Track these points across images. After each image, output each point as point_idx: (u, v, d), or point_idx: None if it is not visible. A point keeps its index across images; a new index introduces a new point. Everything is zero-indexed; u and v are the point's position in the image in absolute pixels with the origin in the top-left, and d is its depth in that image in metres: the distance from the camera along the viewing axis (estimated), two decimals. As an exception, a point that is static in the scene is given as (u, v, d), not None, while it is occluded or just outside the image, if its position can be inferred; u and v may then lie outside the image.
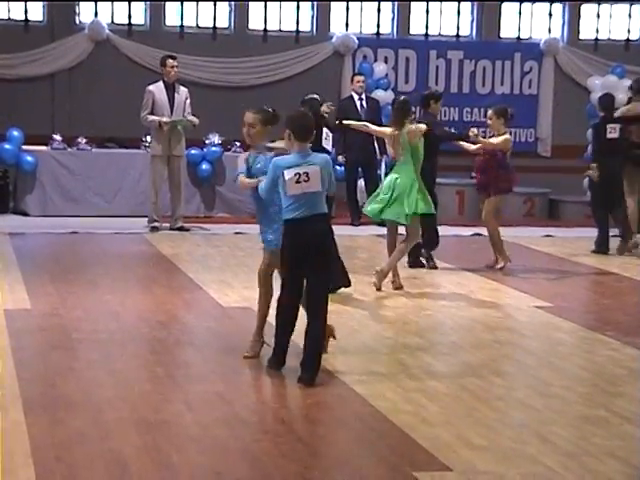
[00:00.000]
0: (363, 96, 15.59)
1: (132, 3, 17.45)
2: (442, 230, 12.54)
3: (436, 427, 6.15)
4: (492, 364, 7.70)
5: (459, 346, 8.29)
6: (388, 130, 10.59)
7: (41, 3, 17.19)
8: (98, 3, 17.30)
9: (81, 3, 17.31)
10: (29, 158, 14.99)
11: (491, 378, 7.30)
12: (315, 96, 10.27)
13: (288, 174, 7.01)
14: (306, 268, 7.09)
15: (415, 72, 18.21)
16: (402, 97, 10.97)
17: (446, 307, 9.71)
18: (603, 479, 5.38)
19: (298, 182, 6.99)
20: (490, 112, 11.75)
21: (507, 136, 11.62)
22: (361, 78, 15.70)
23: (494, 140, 11.64)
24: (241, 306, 9.35)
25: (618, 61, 17.83)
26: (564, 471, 5.46)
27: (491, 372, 7.44)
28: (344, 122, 11.26)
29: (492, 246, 11.88)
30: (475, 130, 11.15)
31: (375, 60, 17.82)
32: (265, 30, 17.84)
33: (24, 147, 15.09)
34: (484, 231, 12.30)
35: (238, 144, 15.79)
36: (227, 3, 17.74)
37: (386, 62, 17.86)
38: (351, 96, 15.59)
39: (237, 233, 14.00)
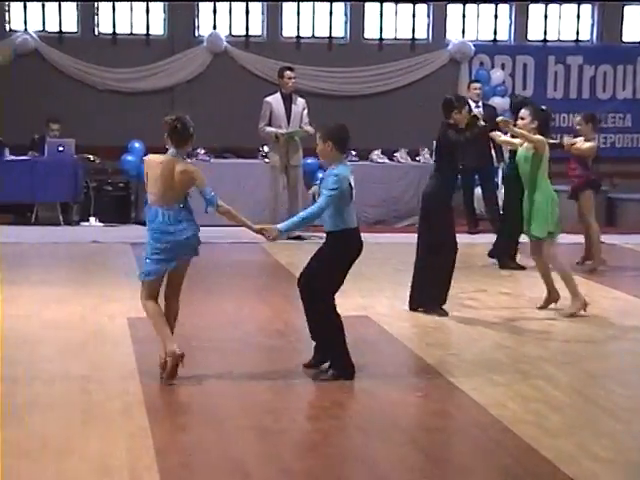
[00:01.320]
0: (480, 103, 15.46)
1: (250, 15, 17.67)
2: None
3: (559, 438, 6.04)
4: (616, 374, 7.55)
5: (581, 355, 8.14)
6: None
7: (162, 17, 17.54)
8: (216, 16, 17.58)
9: (200, 16, 17.61)
10: (150, 169, 15.25)
11: (615, 388, 7.15)
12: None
13: (352, 182, 7.26)
14: None
15: (533, 78, 18.01)
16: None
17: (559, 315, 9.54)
18: None
19: (352, 189, 7.25)
20: (579, 118, 11.65)
21: (593, 143, 11.60)
22: (478, 85, 15.57)
23: (583, 145, 11.58)
24: (358, 314, 9.35)
25: None
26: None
27: (615, 382, 7.29)
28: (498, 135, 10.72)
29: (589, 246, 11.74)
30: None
31: (492, 67, 17.68)
32: (381, 39, 17.87)
33: (145, 158, 15.36)
34: (605, 238, 12.11)
35: (354, 153, 15.83)
36: (343, 13, 17.83)
37: (503, 69, 17.72)
38: (467, 103, 15.44)
39: (354, 242, 14.00)
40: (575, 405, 6.76)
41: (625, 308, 10.01)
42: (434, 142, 9.68)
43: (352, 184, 7.32)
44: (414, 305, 9.46)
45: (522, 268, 11.82)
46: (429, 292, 9.34)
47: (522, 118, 9.65)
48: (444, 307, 9.35)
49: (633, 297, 10.46)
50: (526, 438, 6.00)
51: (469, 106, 9.74)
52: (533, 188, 9.41)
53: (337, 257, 7.36)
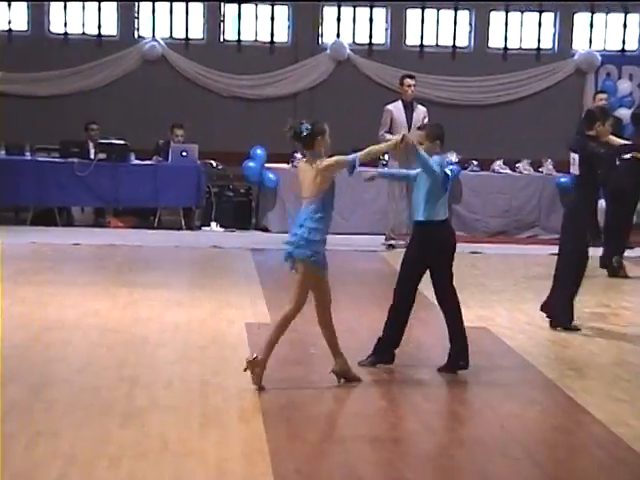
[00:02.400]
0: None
1: (373, 23, 17.71)
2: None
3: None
4: None
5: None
6: None
7: (286, 25, 17.71)
8: (340, 24, 17.67)
9: (324, 24, 17.72)
10: (271, 176, 15.43)
11: None
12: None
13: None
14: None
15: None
16: None
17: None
18: None
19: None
20: None
21: None
22: (604, 96, 15.25)
23: None
24: (477, 326, 9.25)
25: None
26: None
27: None
28: None
29: None
30: None
31: (619, 77, 17.34)
32: (505, 48, 17.71)
33: (267, 165, 15.56)
34: None
35: (475, 163, 15.72)
36: (467, 22, 17.72)
37: (631, 79, 17.35)
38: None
39: (473, 252, 13.90)
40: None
41: None
42: (571, 154, 9.42)
43: (448, 174, 7.76)
44: (553, 322, 9.28)
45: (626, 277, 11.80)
46: (563, 307, 9.18)
47: None
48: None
49: None
50: (649, 457, 5.86)
51: (613, 119, 9.53)
52: None
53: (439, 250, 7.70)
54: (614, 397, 7.13)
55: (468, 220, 15.54)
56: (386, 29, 17.76)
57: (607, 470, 5.75)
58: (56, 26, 17.88)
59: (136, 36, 17.82)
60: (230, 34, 17.80)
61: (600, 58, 17.48)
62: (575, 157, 9.19)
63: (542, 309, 9.38)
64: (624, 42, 17.82)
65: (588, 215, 9.25)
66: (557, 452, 6.04)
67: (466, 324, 9.28)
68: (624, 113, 16.30)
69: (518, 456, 5.88)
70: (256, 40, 17.78)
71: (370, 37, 17.71)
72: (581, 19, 17.75)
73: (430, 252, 7.65)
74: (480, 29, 17.65)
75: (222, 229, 15.55)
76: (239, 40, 17.71)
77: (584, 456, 6.03)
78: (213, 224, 15.70)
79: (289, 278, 12.01)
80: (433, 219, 7.66)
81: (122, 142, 15.61)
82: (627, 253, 13.06)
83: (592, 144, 9.04)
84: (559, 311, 9.18)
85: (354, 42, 17.70)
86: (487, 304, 10.27)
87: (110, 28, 17.91)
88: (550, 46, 17.79)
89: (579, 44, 17.69)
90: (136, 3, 17.76)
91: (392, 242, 14.15)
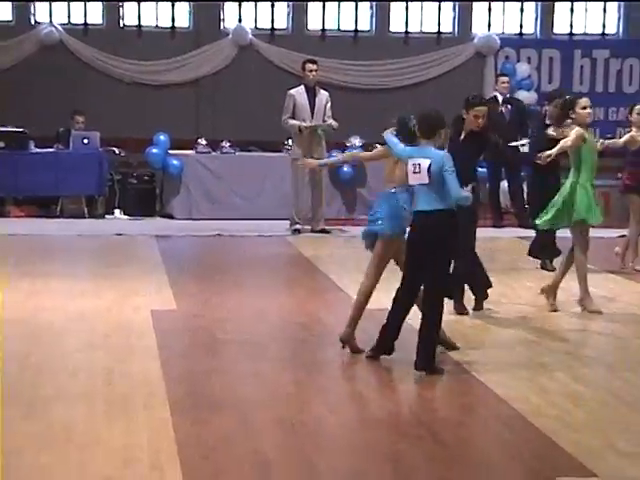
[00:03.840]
0: (507, 97, 15.40)
1: (275, 8, 17.68)
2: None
3: (581, 432, 6.03)
4: (639, 368, 7.50)
5: (606, 350, 8.13)
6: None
7: (187, 9, 17.58)
8: (241, 9, 17.60)
9: (226, 9, 17.63)
10: (175, 162, 15.34)
11: (639, 382, 7.12)
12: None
13: (409, 164, 7.34)
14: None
15: (559, 72, 17.91)
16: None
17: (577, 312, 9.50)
18: None
19: (414, 173, 7.30)
20: (637, 107, 11.44)
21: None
22: (506, 79, 15.52)
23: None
24: (382, 308, 9.33)
25: None
26: None
27: (639, 376, 7.26)
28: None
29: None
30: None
31: (518, 60, 17.61)
32: (406, 32, 17.84)
33: (170, 151, 15.46)
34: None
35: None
36: (369, 5, 17.80)
37: (529, 62, 17.64)
38: (495, 97, 15.42)
39: (378, 235, 14.00)
40: (598, 399, 6.74)
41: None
42: None
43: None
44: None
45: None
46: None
47: (584, 107, 9.36)
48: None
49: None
50: (548, 432, 5.99)
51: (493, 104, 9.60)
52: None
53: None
54: (516, 375, 7.27)
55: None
56: (288, 14, 17.75)
57: (509, 446, 5.87)
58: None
59: (32, 21, 17.50)
60: (130, 19, 17.60)
61: (499, 41, 17.73)
62: None
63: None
64: (522, 26, 18.11)
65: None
66: (460, 430, 6.15)
67: (372, 307, 9.39)
68: (524, 95, 16.58)
69: (422, 435, 5.97)
70: (157, 25, 17.61)
71: (272, 22, 17.68)
72: (480, 3, 17.96)
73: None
74: (381, 13, 17.75)
75: (126, 217, 15.41)
76: (139, 25, 17.53)
77: (487, 433, 6.15)
78: (117, 212, 15.55)
79: (194, 264, 12.03)
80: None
81: (20, 130, 15.36)
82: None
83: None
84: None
85: (256, 27, 17.66)
86: (391, 285, 10.30)
87: (5, 13, 17.55)
88: (450, 30, 17.99)
89: (478, 28, 17.93)
90: (32, -12, 17.44)
91: (297, 227, 14.19)
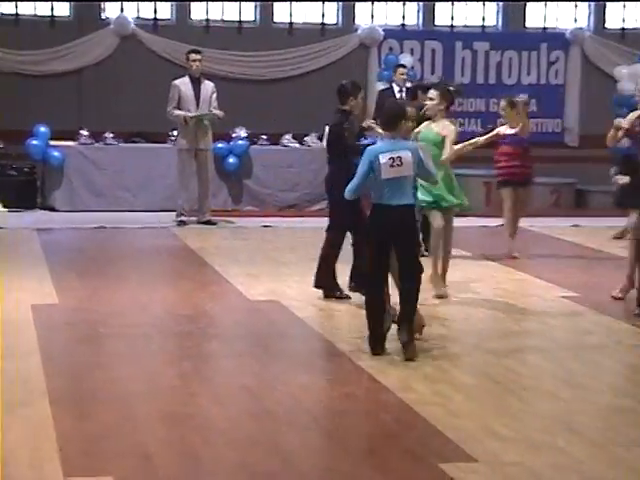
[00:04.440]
0: (404, 88, 15.54)
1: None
2: (470, 221, 12.56)
3: (462, 418, 6.14)
4: (519, 354, 7.67)
5: (486, 336, 8.27)
6: None
7: (67, -2, 17.27)
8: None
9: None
10: (56, 153, 15.06)
11: (518, 369, 7.28)
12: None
13: (383, 158, 7.36)
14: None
15: (441, 63, 18.14)
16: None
17: (472, 297, 9.68)
18: (630, 469, 5.36)
19: (392, 166, 7.34)
20: (503, 103, 11.80)
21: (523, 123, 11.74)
22: (404, 70, 15.65)
23: (511, 130, 11.75)
24: (268, 299, 9.36)
25: (645, 50, 17.74)
26: (591, 461, 5.45)
27: (518, 362, 7.42)
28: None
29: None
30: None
31: (401, 52, 17.77)
32: (291, 23, 17.84)
33: (51, 142, 15.17)
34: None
35: (265, 137, 15.82)
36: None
37: (412, 54, 17.80)
38: (391, 87, 15.52)
39: (264, 226, 14.02)
40: (478, 385, 6.87)
41: (528, 289, 10.17)
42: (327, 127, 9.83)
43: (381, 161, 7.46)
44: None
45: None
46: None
47: (431, 99, 9.65)
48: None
49: (536, 278, 10.63)
50: (431, 419, 6.08)
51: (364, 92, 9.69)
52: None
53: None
54: (400, 363, 7.35)
55: (259, 194, 15.64)
56: (171, 4, 17.57)
57: (392, 434, 5.94)
58: None
59: None
60: (8, 8, 17.19)
61: (382, 33, 17.86)
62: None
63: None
64: (404, 17, 18.27)
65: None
66: (345, 420, 6.19)
67: (257, 298, 9.40)
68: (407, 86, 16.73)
69: (308, 426, 6.01)
70: (35, 15, 17.24)
71: (155, 12, 17.48)
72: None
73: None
74: (265, 4, 17.70)
75: (5, 209, 15.06)
76: (17, 14, 17.12)
77: (371, 422, 6.21)
78: (-4, 204, 15.20)
79: (77, 257, 11.83)
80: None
81: None
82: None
83: (348, 127, 9.22)
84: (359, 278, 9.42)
85: (139, 17, 17.44)
86: (278, 277, 10.38)
87: None
88: (334, 21, 18.05)
89: (362, 19, 18.03)
90: None
91: (183, 218, 14.10)
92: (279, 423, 6.07)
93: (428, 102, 9.66)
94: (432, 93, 9.68)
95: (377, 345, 7.53)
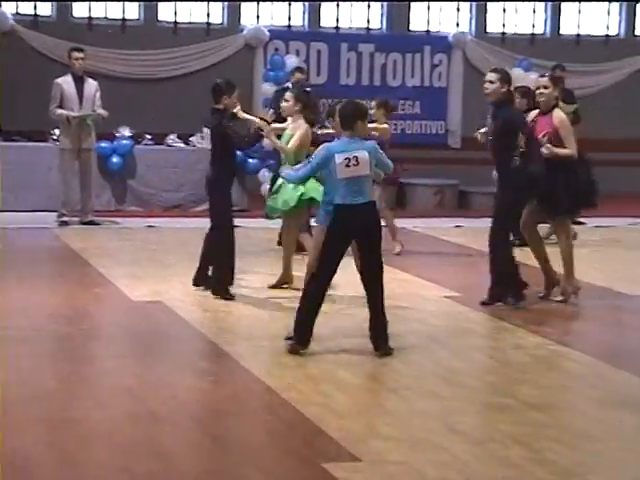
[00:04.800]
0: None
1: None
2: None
3: (346, 418, 6.18)
4: (401, 354, 7.74)
5: (366, 335, 8.28)
6: None
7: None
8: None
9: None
10: None
11: (400, 368, 7.36)
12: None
13: (338, 158, 7.45)
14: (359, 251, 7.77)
15: (327, 65, 18.24)
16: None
17: (356, 297, 9.73)
18: (508, 464, 5.47)
19: (348, 166, 7.42)
20: (373, 103, 12.04)
21: (386, 125, 12.02)
22: (300, 76, 15.67)
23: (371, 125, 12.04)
24: (152, 300, 9.28)
25: (524, 54, 18.13)
26: (471, 458, 5.54)
27: (400, 362, 7.50)
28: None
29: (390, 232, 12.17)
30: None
31: (287, 53, 17.80)
32: (175, 22, 17.72)
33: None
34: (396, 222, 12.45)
35: (149, 137, 15.68)
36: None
37: (298, 55, 17.84)
38: (288, 87, 15.46)
39: (149, 227, 13.90)
40: (362, 385, 6.94)
41: (411, 289, 10.27)
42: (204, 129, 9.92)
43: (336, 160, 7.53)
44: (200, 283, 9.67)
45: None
46: (215, 274, 9.54)
47: (286, 100, 9.78)
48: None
49: (419, 278, 10.76)
50: (315, 420, 6.11)
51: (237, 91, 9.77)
52: None
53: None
54: (283, 364, 7.37)
55: (143, 195, 15.48)
56: (52, 1, 17.25)
57: (277, 434, 5.96)
58: None
59: None
60: None
61: (268, 33, 17.87)
62: (207, 132, 9.70)
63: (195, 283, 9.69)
64: (290, 18, 18.31)
65: (228, 189, 9.51)
66: (229, 421, 6.18)
67: (141, 299, 9.31)
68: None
69: (191, 427, 5.98)
70: None
71: (35, 8, 17.14)
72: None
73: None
74: (149, 2, 17.52)
75: None
76: None
77: (255, 423, 6.20)
78: None
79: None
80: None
81: None
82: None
83: (229, 124, 9.32)
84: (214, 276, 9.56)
85: (18, 12, 17.08)
86: (162, 278, 10.30)
87: None
88: (220, 21, 17.99)
89: (247, 19, 18.01)
90: None
91: (65, 219, 13.88)
92: (162, 425, 6.03)
93: (284, 103, 9.81)
94: (287, 95, 9.89)
95: (306, 342, 7.59)
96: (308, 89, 10.14)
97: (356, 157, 7.46)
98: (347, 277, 8.63)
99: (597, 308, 9.66)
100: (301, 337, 7.58)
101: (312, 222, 9.97)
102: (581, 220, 12.98)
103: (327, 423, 6.04)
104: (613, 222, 14.99)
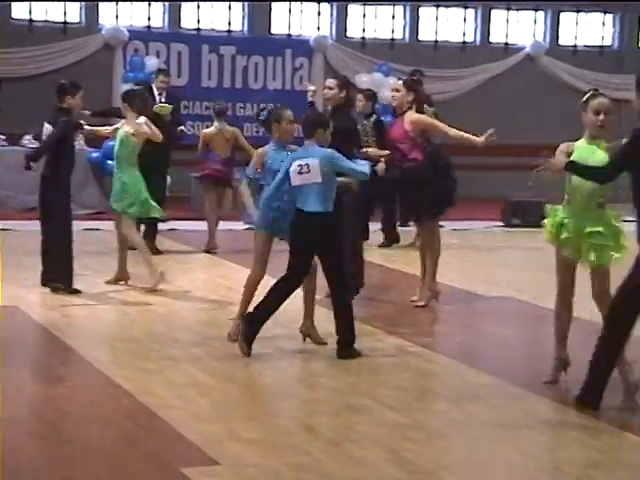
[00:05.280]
0: (164, 92, 15.42)
1: None
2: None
3: (205, 422, 6.16)
4: (263, 357, 7.74)
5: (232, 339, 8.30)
6: None
7: None
8: None
9: None
10: None
11: (261, 370, 7.38)
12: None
13: (293, 165, 7.59)
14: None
15: (188, 66, 18.14)
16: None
17: (220, 301, 9.71)
18: (365, 465, 5.54)
19: (300, 173, 7.55)
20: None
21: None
22: (164, 78, 15.50)
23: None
24: (7, 304, 9.07)
25: (384, 59, 18.39)
26: (328, 459, 5.59)
27: (261, 364, 7.51)
28: None
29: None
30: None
31: (147, 53, 17.64)
32: (31, 20, 17.36)
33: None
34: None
35: (3, 137, 15.35)
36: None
37: (158, 56, 17.71)
38: (151, 88, 15.25)
39: (4, 229, 13.57)
40: (221, 388, 6.92)
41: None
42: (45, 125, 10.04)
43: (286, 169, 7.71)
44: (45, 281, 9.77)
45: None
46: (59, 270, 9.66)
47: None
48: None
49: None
50: (174, 424, 6.07)
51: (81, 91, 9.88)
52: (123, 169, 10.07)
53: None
54: (143, 368, 7.30)
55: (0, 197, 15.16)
56: None
57: (135, 440, 5.88)
58: None
59: None
60: None
61: (127, 34, 17.67)
62: (49, 127, 9.98)
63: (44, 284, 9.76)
64: (150, 19, 18.14)
65: (66, 187, 9.65)
66: (86, 427, 6.08)
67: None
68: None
69: (46, 434, 5.87)
70: None
71: None
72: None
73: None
74: (3, 2, 17.12)
75: None
76: None
77: (112, 428, 6.12)
78: None
79: None
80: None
81: None
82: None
83: (62, 121, 9.55)
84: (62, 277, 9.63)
85: None
86: (18, 282, 10.07)
87: None
88: (77, 20, 17.71)
89: (106, 19, 17.77)
90: None
91: None
92: (17, 432, 5.90)
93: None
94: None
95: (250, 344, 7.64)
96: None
97: (307, 165, 7.57)
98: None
99: (455, 310, 9.87)
100: (249, 340, 7.68)
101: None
102: (440, 224, 13.20)
103: (186, 427, 6.01)
104: (470, 225, 15.34)
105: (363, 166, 7.82)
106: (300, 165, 7.58)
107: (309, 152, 7.65)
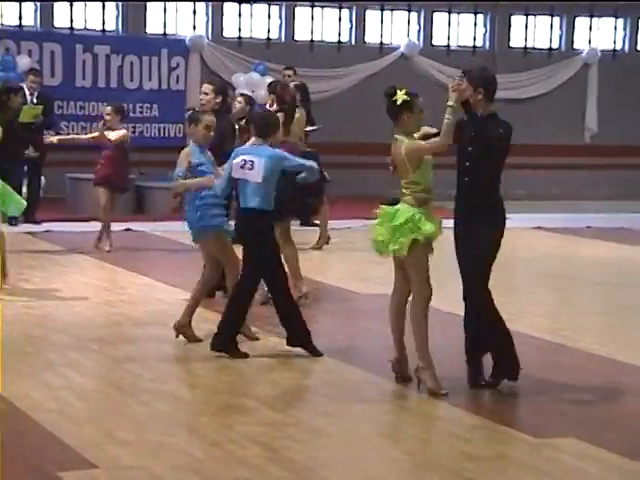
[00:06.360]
0: (35, 92, 15.17)
1: None
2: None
3: (82, 425, 6.08)
4: (140, 358, 7.68)
5: (109, 342, 8.20)
6: None
7: None
8: None
9: None
10: None
11: (140, 372, 7.29)
12: None
13: (237, 159, 7.66)
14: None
15: (61, 66, 17.82)
16: None
17: (96, 303, 9.61)
18: (247, 465, 5.53)
19: (242, 167, 7.60)
20: (109, 108, 12.36)
21: (125, 131, 12.43)
22: (34, 78, 15.23)
23: (113, 135, 12.19)
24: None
25: (260, 58, 18.39)
26: (209, 460, 5.58)
27: (140, 366, 7.43)
28: None
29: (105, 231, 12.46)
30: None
31: (18, 53, 17.26)
32: None
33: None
34: (134, 226, 12.35)
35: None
36: None
37: (30, 55, 17.35)
38: (22, 88, 14.91)
39: None
40: (100, 391, 6.85)
41: (152, 294, 10.18)
42: None
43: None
44: None
45: None
46: None
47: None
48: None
49: (160, 282, 10.69)
50: (50, 427, 5.97)
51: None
52: None
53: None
54: (19, 371, 7.16)
55: None
56: None
57: (8, 445, 5.67)
58: None
59: None
60: None
61: (-1, 33, 17.29)
62: None
63: None
64: (21, 17, 17.77)
65: None
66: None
67: None
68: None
69: None
70: None
71: None
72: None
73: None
74: None
75: None
76: None
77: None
78: None
79: None
80: None
81: None
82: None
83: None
84: None
85: None
86: None
87: None
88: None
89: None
90: None
91: None
92: None
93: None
94: None
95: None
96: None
97: (252, 162, 7.58)
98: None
99: (331, 308, 9.94)
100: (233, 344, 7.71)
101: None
102: (316, 222, 13.31)
103: (62, 430, 5.93)
104: (347, 224, 15.45)
105: (308, 161, 8.07)
106: (244, 160, 7.63)
107: (259, 151, 7.67)
